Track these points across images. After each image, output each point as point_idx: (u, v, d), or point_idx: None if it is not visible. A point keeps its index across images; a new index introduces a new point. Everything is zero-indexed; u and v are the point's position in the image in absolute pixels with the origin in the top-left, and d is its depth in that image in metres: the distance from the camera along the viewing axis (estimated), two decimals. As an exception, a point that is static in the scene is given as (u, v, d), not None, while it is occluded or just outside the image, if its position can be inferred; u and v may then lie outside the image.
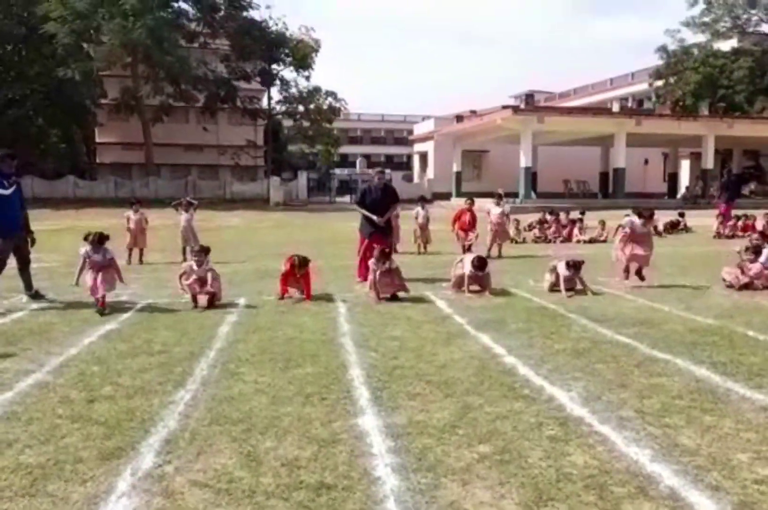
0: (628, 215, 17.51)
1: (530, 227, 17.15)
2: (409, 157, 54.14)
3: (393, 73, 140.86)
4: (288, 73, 41.46)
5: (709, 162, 32.98)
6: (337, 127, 46.59)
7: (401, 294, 7.44)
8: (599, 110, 36.44)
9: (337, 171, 48.72)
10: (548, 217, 17.15)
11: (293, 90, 41.46)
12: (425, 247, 13.24)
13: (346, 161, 57.44)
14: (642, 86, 43.50)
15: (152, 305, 7.22)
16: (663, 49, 38.62)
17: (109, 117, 41.22)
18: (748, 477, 2.88)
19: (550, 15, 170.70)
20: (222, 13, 38.30)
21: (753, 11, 40.80)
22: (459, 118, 38.61)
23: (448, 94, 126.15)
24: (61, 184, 35.88)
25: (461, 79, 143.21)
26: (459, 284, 7.87)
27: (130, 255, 11.70)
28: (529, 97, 34.74)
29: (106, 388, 4.21)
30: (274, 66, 40.36)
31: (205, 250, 7.35)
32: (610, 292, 7.82)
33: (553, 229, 16.35)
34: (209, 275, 7.09)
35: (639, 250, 8.01)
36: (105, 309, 6.71)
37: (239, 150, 43.04)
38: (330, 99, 41.48)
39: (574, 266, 7.64)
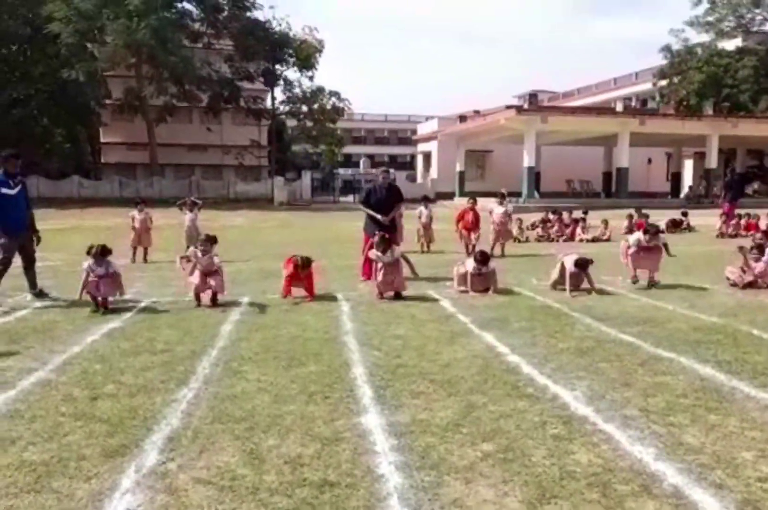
0: (631, 215, 17.62)
1: (533, 226, 17.13)
2: (413, 157, 54.15)
3: (395, 74, 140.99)
4: (291, 73, 41.64)
5: (712, 161, 32.89)
6: (340, 127, 46.59)
7: (404, 292, 7.45)
8: (603, 110, 36.39)
9: (341, 171, 48.77)
10: (551, 216, 17.13)
11: (297, 90, 41.55)
12: (428, 247, 13.25)
13: (349, 161, 57.46)
14: (646, 86, 43.37)
15: (155, 304, 7.23)
16: (667, 48, 38.46)
17: (113, 117, 41.29)
18: (752, 475, 2.87)
19: (551, 15, 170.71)
20: (225, 13, 38.34)
21: (757, 10, 40.63)
22: (462, 118, 38.59)
23: (452, 95, 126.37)
24: (66, 184, 36.01)
25: (464, 79, 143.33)
26: (462, 282, 7.85)
27: (134, 254, 11.75)
28: (533, 96, 34.74)
29: (109, 387, 4.21)
30: (277, 66, 40.41)
31: (211, 240, 7.33)
32: (613, 291, 7.80)
33: (556, 228, 16.34)
34: (214, 260, 7.07)
35: (647, 261, 7.97)
36: (102, 309, 6.70)
37: (243, 150, 43.09)
38: (333, 99, 41.56)
39: (583, 265, 7.60)
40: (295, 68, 40.68)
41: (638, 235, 7.95)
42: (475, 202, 12.48)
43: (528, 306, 6.97)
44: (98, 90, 37.41)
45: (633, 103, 43.84)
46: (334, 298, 7.48)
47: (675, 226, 18.15)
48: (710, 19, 40.28)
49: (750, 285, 7.91)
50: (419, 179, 44.73)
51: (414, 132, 50.56)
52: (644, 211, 18.87)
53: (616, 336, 5.50)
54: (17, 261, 7.48)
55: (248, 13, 38.72)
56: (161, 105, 37.91)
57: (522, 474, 2.90)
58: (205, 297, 7.10)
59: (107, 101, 39.53)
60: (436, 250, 12.99)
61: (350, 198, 38.50)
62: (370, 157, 55.47)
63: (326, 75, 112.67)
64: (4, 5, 34.89)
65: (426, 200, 14.29)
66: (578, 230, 16.00)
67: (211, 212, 23.27)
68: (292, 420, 3.58)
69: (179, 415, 3.66)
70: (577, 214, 17.49)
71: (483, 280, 7.80)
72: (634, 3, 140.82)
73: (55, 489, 2.79)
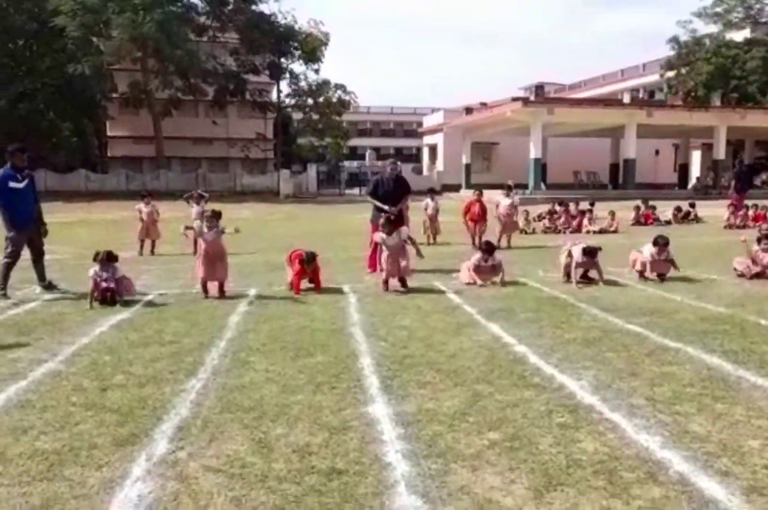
0: (638, 207, 17.56)
1: (540, 218, 17.11)
2: (419, 149, 54.01)
3: (398, 72, 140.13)
4: (297, 66, 41.44)
5: (720, 153, 32.73)
6: (346, 119, 46.53)
7: (410, 282, 7.44)
8: (610, 101, 36.20)
9: (347, 163, 48.71)
10: (558, 208, 17.09)
11: (302, 83, 41.40)
12: (434, 238, 13.26)
13: (355, 154, 57.38)
14: (653, 77, 43.08)
15: (163, 296, 7.27)
16: (675, 39, 38.15)
17: (119, 111, 41.37)
18: (758, 462, 2.88)
19: (554, 9, 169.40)
20: (231, 6, 38.25)
21: (766, 1, 40.25)
22: (468, 110, 38.46)
23: (457, 90, 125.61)
24: (73, 178, 36.12)
25: (468, 74, 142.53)
26: (469, 276, 7.84)
27: (141, 246, 11.81)
28: (539, 88, 34.51)
29: (118, 377, 4.25)
30: (283, 59, 40.29)
31: (216, 215, 7.37)
32: (620, 282, 7.80)
33: (562, 219, 16.31)
34: (221, 237, 7.11)
35: (661, 266, 7.94)
36: (112, 299, 6.73)
37: (249, 143, 43.07)
38: (339, 92, 41.40)
39: (591, 253, 7.59)
40: (301, 61, 40.57)
41: (649, 248, 7.89)
42: (481, 194, 12.46)
43: (534, 297, 6.97)
44: (104, 84, 37.41)
45: (640, 95, 43.63)
46: (340, 290, 7.51)
47: (678, 211, 18.17)
48: (718, 10, 39.92)
49: (757, 276, 7.89)
50: (425, 172, 44.63)
51: (420, 124, 50.43)
52: (651, 202, 18.83)
53: (622, 326, 5.51)
54: (26, 254, 7.53)
55: (253, 7, 38.63)
56: (167, 98, 37.95)
57: (528, 462, 2.92)
58: (213, 289, 7.14)
59: (113, 95, 39.56)
60: (442, 242, 13.01)
61: (356, 190, 38.47)
62: (376, 149, 55.36)
63: (330, 71, 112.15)
64: (11, -1, 34.98)
65: (432, 192, 14.30)
66: (585, 222, 15.98)
67: (218, 205, 23.12)
68: (300, 409, 3.61)
69: (188, 405, 3.69)
70: (584, 205, 17.45)
71: (489, 271, 7.80)
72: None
73: (67, 477, 2.83)
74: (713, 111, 31.87)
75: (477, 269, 7.78)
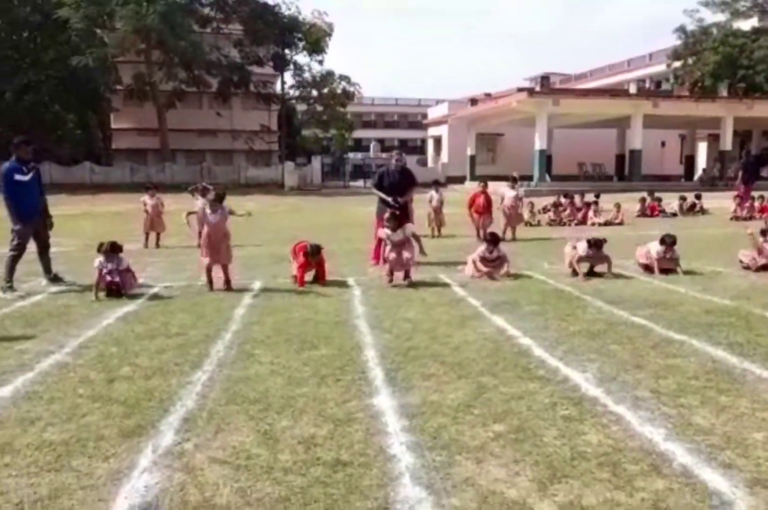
0: (644, 198, 17.49)
1: (545, 210, 17.05)
2: (423, 141, 53.89)
3: (402, 63, 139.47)
4: (301, 57, 41.41)
5: (727, 143, 32.51)
6: (350, 111, 46.38)
7: (414, 276, 7.44)
8: (616, 92, 35.92)
9: (351, 155, 48.63)
10: (563, 199, 17.03)
11: (306, 74, 41.36)
12: (439, 231, 13.25)
13: (359, 145, 57.22)
14: (660, 67, 42.76)
15: (169, 288, 7.29)
16: (681, 29, 37.82)
17: (124, 103, 41.28)
18: (762, 455, 2.89)
19: (557, 4, 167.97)
20: (234, -3, 38.13)
21: (774, -11, 39.85)
22: (473, 101, 38.26)
23: (462, 81, 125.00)
24: (78, 170, 36.18)
25: (473, 65, 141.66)
26: (474, 269, 7.83)
27: (146, 239, 11.83)
28: (545, 79, 34.33)
29: (125, 369, 4.28)
30: (287, 50, 40.17)
31: (220, 197, 7.34)
32: (625, 274, 7.78)
33: (567, 212, 16.26)
34: (226, 216, 7.11)
35: (665, 263, 7.91)
36: (118, 292, 6.75)
37: (253, 135, 43.02)
38: (343, 83, 41.33)
39: (596, 244, 7.57)
40: (305, 52, 40.45)
41: (655, 246, 7.87)
42: (486, 186, 12.42)
43: (539, 289, 6.97)
44: (108, 76, 37.37)
45: (647, 85, 43.30)
46: (344, 282, 7.52)
47: (683, 200, 18.15)
48: (726, -2, 39.53)
49: (763, 268, 7.86)
50: (430, 163, 44.56)
51: (424, 116, 50.27)
52: (657, 194, 18.75)
53: (627, 319, 5.50)
54: (32, 247, 7.56)
55: (257, -3, 38.49)
56: (171, 90, 37.90)
57: (533, 454, 2.93)
58: (218, 282, 7.15)
59: (117, 87, 39.49)
60: (447, 235, 12.99)
61: (360, 182, 38.43)
62: (380, 141, 55.23)
63: (334, 62, 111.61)
64: (15, -9, 34.93)
65: (437, 184, 14.27)
66: (590, 214, 15.93)
67: (223, 200, 23.30)
68: (305, 401, 3.63)
69: (194, 397, 3.71)
70: (589, 197, 17.39)
71: (494, 263, 7.79)
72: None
73: (74, 468, 2.86)
74: (720, 101, 31.65)
75: (482, 261, 7.77)
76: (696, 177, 35.36)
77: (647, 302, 6.16)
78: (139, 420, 3.38)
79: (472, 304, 6.24)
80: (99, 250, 6.85)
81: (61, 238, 10.93)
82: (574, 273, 7.69)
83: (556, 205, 16.83)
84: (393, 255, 7.29)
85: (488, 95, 39.51)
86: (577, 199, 16.97)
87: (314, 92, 41.70)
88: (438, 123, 43.32)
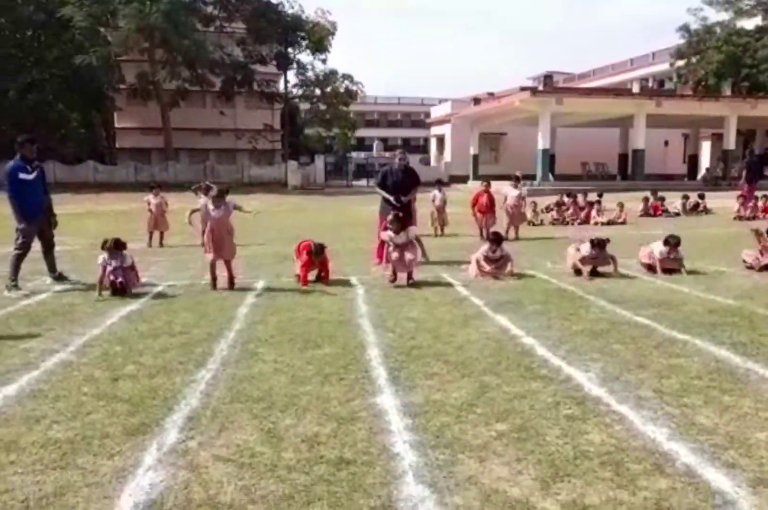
0: (647, 198, 17.47)
1: (548, 209, 17.04)
2: (426, 140, 53.84)
3: (402, 68, 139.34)
4: (304, 56, 41.36)
5: (730, 143, 32.46)
6: (353, 110, 46.41)
7: (417, 276, 7.44)
8: (619, 91, 35.88)
9: (354, 154, 48.65)
10: (566, 199, 17.02)
11: (310, 73, 41.30)
12: (442, 230, 13.25)
13: (362, 144, 57.28)
14: (663, 66, 42.67)
15: (172, 287, 7.31)
16: (685, 27, 37.74)
17: (127, 102, 41.41)
18: (765, 455, 2.89)
19: (555, 3, 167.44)
20: (238, -5, 38.13)
21: (779, -12, 39.73)
22: (476, 100, 38.25)
23: (464, 80, 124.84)
24: (81, 169, 36.24)
25: (476, 64, 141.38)
26: (478, 269, 7.83)
27: (150, 238, 11.86)
28: (548, 78, 34.25)
29: (129, 367, 4.30)
30: (290, 49, 40.16)
31: (222, 193, 7.33)
32: (628, 274, 7.78)
33: (570, 211, 16.25)
34: (230, 211, 7.09)
35: (668, 263, 7.91)
36: (122, 290, 6.77)
37: (256, 134, 43.08)
38: (346, 82, 41.29)
39: (599, 245, 7.57)
40: (308, 51, 40.43)
41: (659, 246, 7.86)
42: (489, 185, 12.43)
43: (542, 289, 6.97)
44: (112, 75, 37.46)
45: (650, 84, 43.24)
46: (348, 282, 7.53)
47: (686, 199, 18.13)
48: (730, -3, 39.41)
49: (767, 267, 7.85)
50: (433, 162, 44.53)
51: (427, 115, 50.25)
52: (660, 193, 18.72)
53: (630, 318, 5.51)
54: (36, 246, 7.58)
55: (260, -4, 38.48)
56: (174, 89, 37.94)
57: (536, 453, 2.94)
58: (222, 281, 7.16)
59: (121, 86, 39.61)
60: (450, 234, 13.00)
61: (363, 182, 38.44)
62: (383, 140, 55.24)
63: (337, 61, 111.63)
64: (19, -10, 35.00)
65: (440, 184, 14.27)
66: (593, 213, 15.92)
67: (226, 196, 23.33)
68: (309, 400, 3.64)
69: (198, 395, 3.73)
70: (592, 196, 17.38)
71: (497, 263, 7.78)
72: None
73: (79, 465, 2.87)
74: (723, 100, 31.59)
75: (485, 260, 7.77)
76: (699, 176, 35.28)
77: (650, 302, 6.16)
78: (143, 418, 3.40)
79: (475, 303, 6.25)
80: (103, 247, 6.87)
81: (66, 237, 10.97)
82: (577, 273, 7.69)
83: (559, 205, 16.82)
84: (396, 255, 7.29)
85: (491, 94, 39.47)
86: (580, 198, 16.96)
87: (317, 91, 41.68)
88: (441, 122, 43.30)
